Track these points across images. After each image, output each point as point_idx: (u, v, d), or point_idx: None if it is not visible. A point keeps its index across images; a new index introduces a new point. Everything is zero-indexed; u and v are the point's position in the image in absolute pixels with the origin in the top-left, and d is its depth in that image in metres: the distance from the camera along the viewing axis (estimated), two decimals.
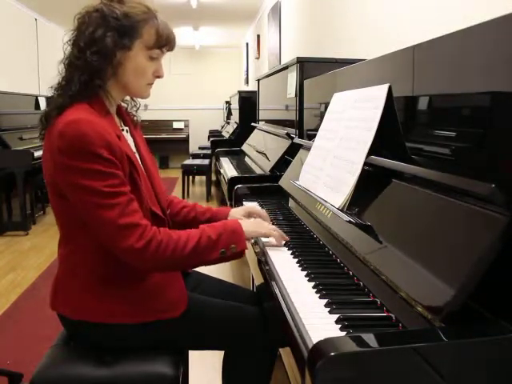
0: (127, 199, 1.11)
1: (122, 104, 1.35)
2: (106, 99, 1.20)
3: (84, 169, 1.07)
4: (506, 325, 0.71)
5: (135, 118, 1.39)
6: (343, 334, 0.86)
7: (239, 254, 1.22)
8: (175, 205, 1.50)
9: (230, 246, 1.19)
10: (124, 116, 1.34)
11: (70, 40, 1.18)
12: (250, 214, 1.50)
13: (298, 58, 2.25)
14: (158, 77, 1.25)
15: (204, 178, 6.56)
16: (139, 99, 1.37)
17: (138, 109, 1.39)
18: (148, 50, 1.18)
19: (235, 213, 1.49)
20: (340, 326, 0.89)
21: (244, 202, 2.02)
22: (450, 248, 0.82)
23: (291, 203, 1.88)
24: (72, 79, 1.15)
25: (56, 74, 1.20)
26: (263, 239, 1.41)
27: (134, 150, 1.28)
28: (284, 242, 1.39)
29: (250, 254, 1.55)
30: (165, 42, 1.21)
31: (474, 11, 1.44)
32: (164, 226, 1.27)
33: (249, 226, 1.28)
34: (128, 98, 1.35)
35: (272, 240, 1.38)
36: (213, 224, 1.25)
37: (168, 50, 1.24)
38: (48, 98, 5.72)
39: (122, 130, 1.28)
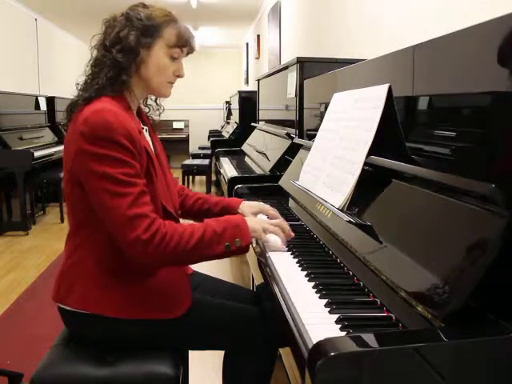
0: (140, 190, 1.13)
1: (144, 108, 1.40)
2: (128, 96, 1.25)
3: (103, 154, 1.10)
4: (506, 325, 0.71)
5: (155, 121, 1.44)
6: (343, 334, 0.86)
7: (244, 249, 1.22)
8: (190, 197, 1.54)
9: (235, 240, 1.20)
10: (143, 118, 1.38)
11: (97, 43, 1.25)
12: (259, 212, 1.50)
13: (298, 58, 2.25)
14: (179, 76, 1.30)
15: (204, 177, 6.57)
16: (162, 103, 1.43)
17: (161, 113, 1.44)
18: (169, 49, 1.24)
19: (245, 207, 1.49)
20: (340, 326, 0.89)
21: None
22: (450, 248, 0.82)
23: (291, 203, 1.88)
24: (99, 76, 1.21)
25: (81, 74, 1.27)
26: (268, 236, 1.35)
27: (152, 148, 1.31)
28: (286, 248, 1.36)
29: (250, 254, 1.55)
30: (185, 43, 1.27)
31: (474, 11, 1.44)
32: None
33: (253, 222, 1.28)
34: (151, 102, 1.41)
35: (275, 243, 1.36)
36: (217, 218, 1.25)
37: (188, 52, 1.31)
38: (48, 98, 5.74)
39: (142, 128, 1.31)
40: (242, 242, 1.21)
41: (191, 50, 1.32)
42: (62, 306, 1.23)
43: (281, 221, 1.39)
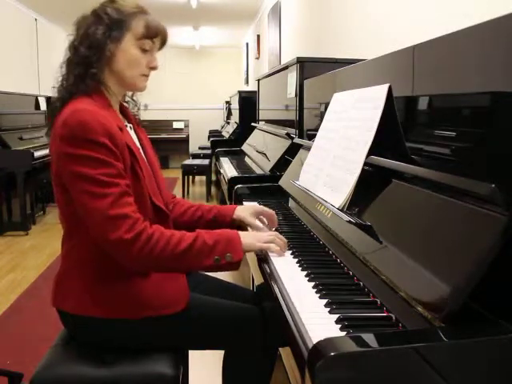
0: (121, 191, 1.11)
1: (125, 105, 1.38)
2: (106, 93, 1.24)
3: (83, 155, 1.09)
4: (506, 325, 0.71)
5: (137, 118, 1.41)
6: (343, 334, 0.86)
7: (235, 265, 1.19)
8: (181, 205, 1.51)
9: (226, 255, 1.17)
10: (127, 114, 1.37)
11: (68, 45, 1.24)
12: (257, 214, 1.49)
13: (298, 58, 2.25)
14: (153, 68, 1.28)
15: (204, 178, 6.56)
16: (139, 100, 1.40)
17: (139, 109, 1.42)
18: (138, 41, 1.22)
19: (242, 210, 1.48)
20: (340, 326, 0.89)
21: (244, 202, 2.02)
22: (450, 248, 0.82)
23: (291, 203, 1.88)
24: (68, 74, 1.22)
25: (57, 76, 1.25)
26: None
27: (138, 145, 1.30)
28: (287, 253, 1.31)
29: (250, 254, 1.55)
30: (154, 33, 1.24)
31: (474, 11, 1.44)
32: (167, 221, 1.29)
33: (247, 238, 1.24)
34: (128, 98, 1.38)
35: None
36: (210, 231, 1.22)
37: (162, 44, 1.29)
38: (48, 98, 5.74)
39: (126, 125, 1.30)
40: (234, 258, 1.18)
41: (164, 41, 1.29)
42: (61, 310, 1.23)
43: (275, 234, 1.32)
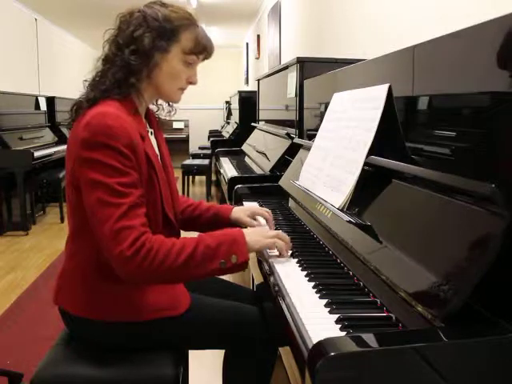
0: (133, 202, 1.08)
1: (153, 107, 1.36)
2: (136, 99, 1.21)
3: (102, 162, 1.07)
4: (506, 325, 0.71)
5: (160, 121, 1.40)
6: (343, 334, 0.86)
7: (242, 266, 1.15)
8: (181, 203, 1.50)
9: (231, 257, 1.13)
10: (151, 118, 1.35)
11: (109, 38, 1.20)
12: (253, 215, 1.49)
13: (298, 58, 2.25)
14: (191, 83, 1.26)
15: (204, 178, 6.56)
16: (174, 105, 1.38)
17: (174, 114, 1.40)
18: (184, 55, 1.19)
19: (238, 211, 1.48)
20: (340, 325, 0.89)
21: (244, 202, 2.02)
22: (450, 248, 0.82)
23: (291, 203, 1.88)
24: (107, 75, 1.17)
25: (91, 70, 1.21)
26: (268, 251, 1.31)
27: (157, 152, 1.28)
28: (290, 253, 1.29)
29: (250, 254, 1.55)
30: (202, 49, 1.22)
31: (475, 11, 1.44)
32: (174, 231, 1.28)
33: (252, 235, 1.21)
34: (163, 103, 1.36)
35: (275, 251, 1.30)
36: (212, 233, 1.19)
37: (204, 59, 1.26)
38: (48, 98, 5.74)
39: (148, 131, 1.28)
40: (239, 259, 1.14)
41: (208, 56, 1.26)
42: (62, 308, 1.23)
43: (278, 232, 1.30)
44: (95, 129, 1.08)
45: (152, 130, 1.33)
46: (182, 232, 1.37)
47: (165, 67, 1.19)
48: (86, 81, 1.22)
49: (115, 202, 1.06)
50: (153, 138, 1.31)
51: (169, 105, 1.38)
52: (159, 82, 1.21)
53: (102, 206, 1.06)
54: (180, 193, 1.47)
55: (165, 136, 1.46)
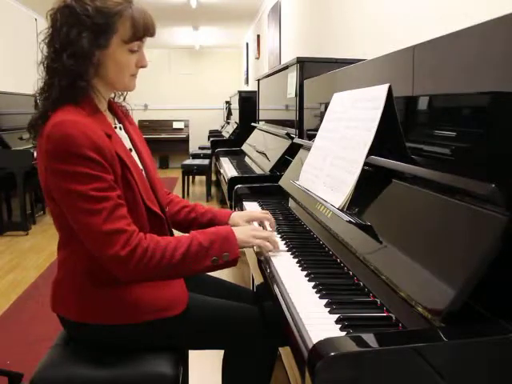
0: (114, 204, 1.08)
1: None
2: (94, 97, 1.18)
3: (70, 172, 1.05)
4: (506, 325, 0.71)
5: (125, 109, 1.35)
6: (343, 334, 0.86)
7: (232, 263, 1.19)
8: (175, 204, 1.48)
9: (223, 254, 1.17)
10: (117, 111, 1.31)
11: (45, 39, 1.15)
12: (251, 220, 1.48)
13: (298, 58, 2.25)
14: (142, 66, 1.21)
15: (204, 178, 6.56)
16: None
17: (125, 97, 1.35)
18: (126, 44, 1.14)
19: (236, 218, 1.46)
20: (340, 325, 0.89)
21: (244, 202, 2.02)
22: (450, 248, 0.82)
23: (291, 203, 1.88)
24: (53, 85, 1.12)
25: (37, 78, 1.16)
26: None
27: (129, 146, 1.27)
28: (286, 249, 1.32)
29: (249, 254, 1.55)
30: (143, 33, 1.16)
31: (475, 11, 1.44)
32: (163, 225, 1.27)
33: (242, 233, 1.24)
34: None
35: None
36: (204, 230, 1.21)
37: (149, 37, 1.20)
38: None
39: (115, 127, 1.25)
40: (230, 256, 1.17)
41: (151, 35, 1.19)
42: (60, 315, 1.23)
43: (270, 233, 1.33)
44: (56, 140, 1.05)
45: (121, 125, 1.30)
46: (178, 232, 1.36)
47: (109, 62, 1.14)
48: (36, 93, 1.17)
49: (95, 208, 1.06)
50: (122, 133, 1.28)
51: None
52: (108, 76, 1.16)
53: (84, 215, 1.06)
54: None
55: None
